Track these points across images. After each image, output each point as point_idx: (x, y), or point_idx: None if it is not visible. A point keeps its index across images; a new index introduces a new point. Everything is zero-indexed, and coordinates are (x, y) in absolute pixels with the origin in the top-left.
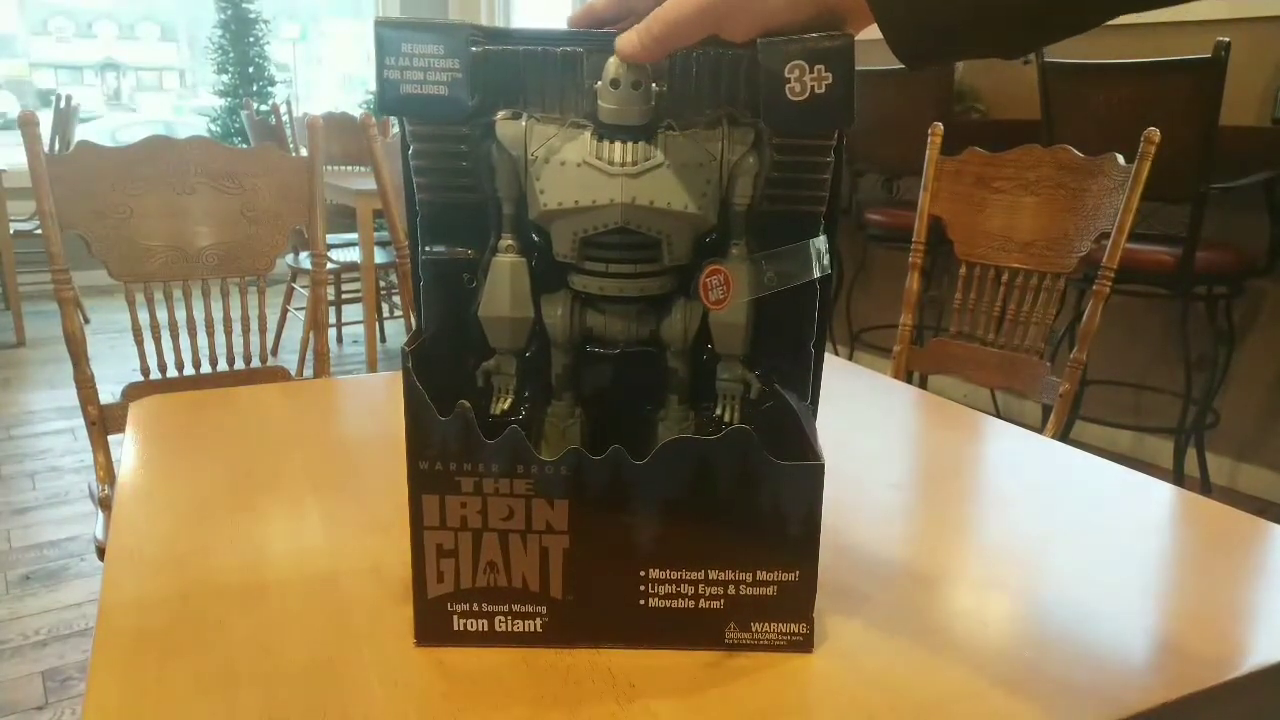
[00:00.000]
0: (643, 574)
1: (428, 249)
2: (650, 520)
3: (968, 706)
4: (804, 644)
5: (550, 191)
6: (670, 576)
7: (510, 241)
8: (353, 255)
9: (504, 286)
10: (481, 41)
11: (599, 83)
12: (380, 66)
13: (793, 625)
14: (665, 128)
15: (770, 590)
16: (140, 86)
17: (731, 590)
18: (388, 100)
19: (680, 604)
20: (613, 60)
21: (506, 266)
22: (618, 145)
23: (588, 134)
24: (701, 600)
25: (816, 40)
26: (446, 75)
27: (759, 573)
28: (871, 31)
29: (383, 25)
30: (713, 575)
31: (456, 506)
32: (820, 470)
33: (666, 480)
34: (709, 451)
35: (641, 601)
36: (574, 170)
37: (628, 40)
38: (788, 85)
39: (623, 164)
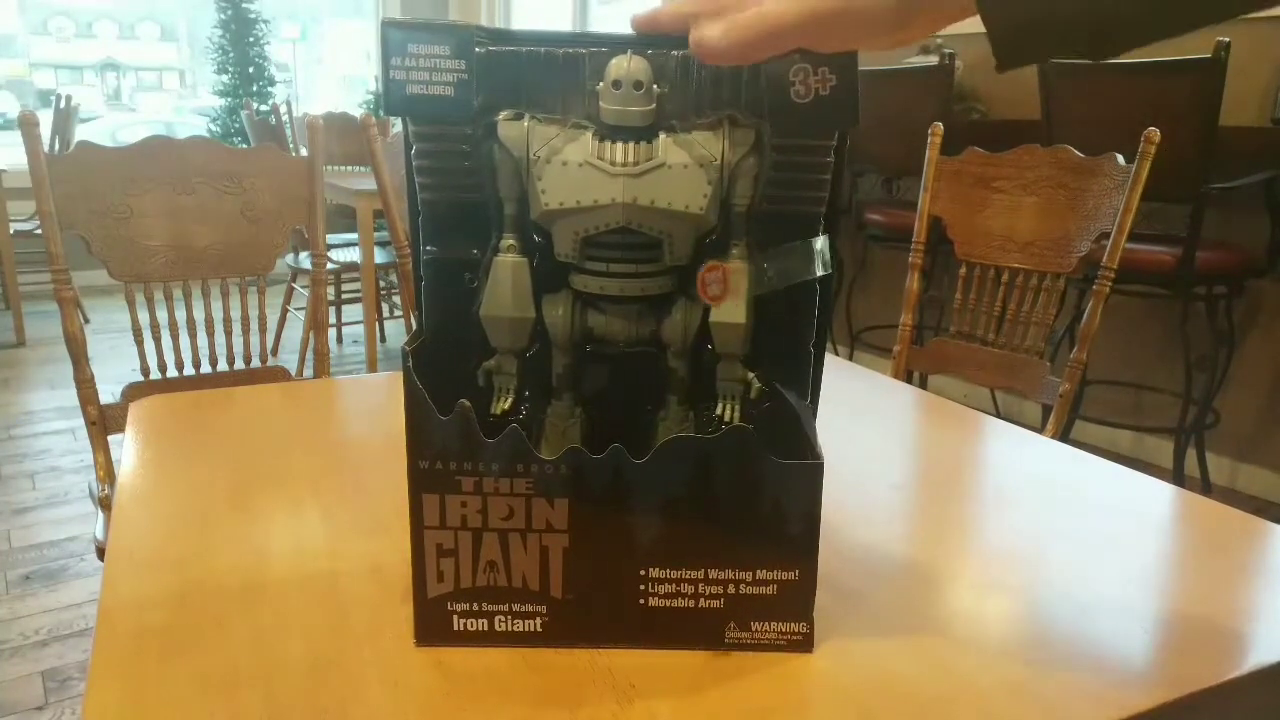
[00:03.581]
0: (643, 573)
1: (429, 248)
2: (650, 519)
3: (968, 706)
4: (804, 643)
5: (552, 191)
6: (670, 576)
7: (512, 241)
8: (353, 255)
9: (505, 286)
10: (485, 42)
11: (600, 84)
12: (386, 67)
13: (793, 625)
14: (667, 129)
15: (770, 589)
16: (140, 86)
17: (731, 589)
18: (394, 101)
19: (680, 603)
20: (615, 61)
21: (508, 266)
22: (619, 146)
23: (589, 134)
24: (701, 599)
25: None
26: (453, 76)
27: (759, 572)
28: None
29: (389, 26)
30: (712, 574)
31: (456, 506)
32: (819, 469)
33: (666, 479)
34: (708, 450)
35: (641, 601)
36: (575, 170)
37: (712, 39)
38: (792, 88)
39: (624, 164)
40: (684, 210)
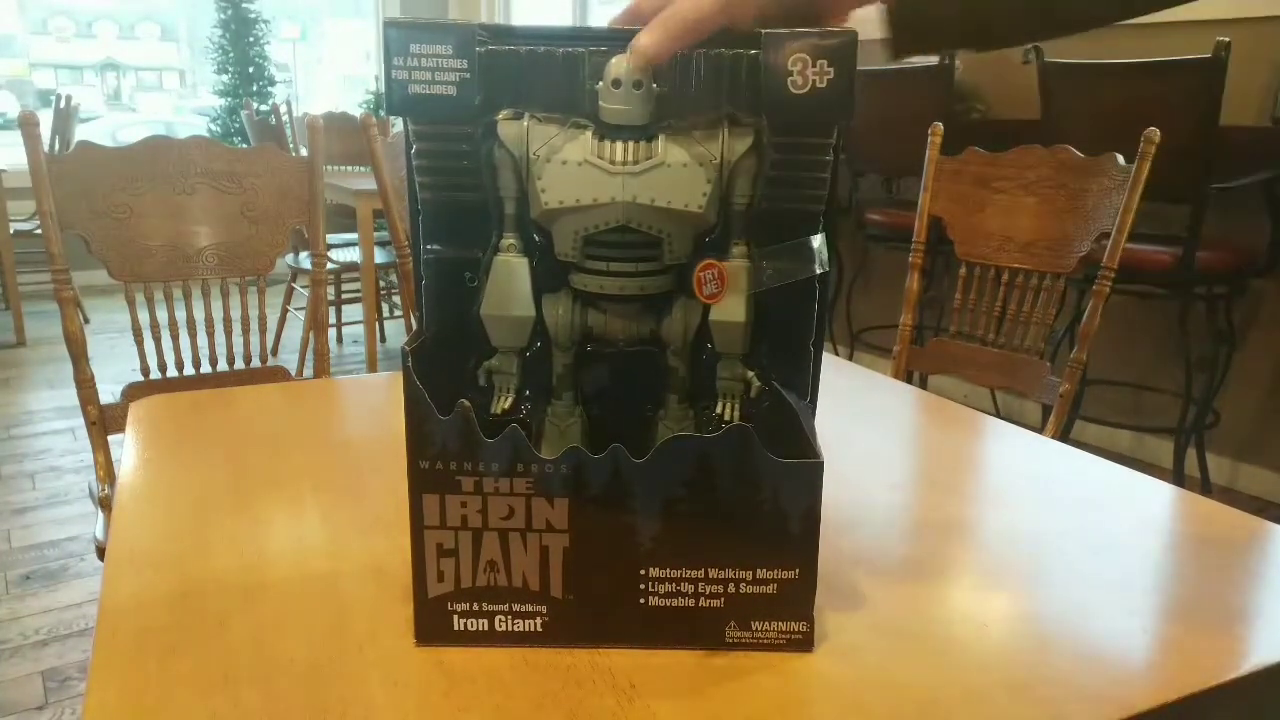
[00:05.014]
0: (643, 573)
1: (430, 247)
2: (650, 519)
3: (968, 706)
4: (804, 642)
5: (552, 190)
6: (670, 575)
7: (512, 240)
8: (353, 255)
9: (505, 285)
10: (485, 40)
11: (600, 83)
12: (388, 67)
13: (793, 624)
14: (665, 128)
15: (770, 588)
16: (140, 86)
17: (731, 589)
18: (396, 100)
19: (680, 603)
20: (615, 60)
21: (508, 265)
22: (619, 145)
23: (589, 133)
24: (702, 599)
25: (820, 35)
26: (455, 75)
27: (759, 571)
28: (875, 31)
29: (391, 26)
30: (713, 574)
31: (457, 506)
32: (819, 468)
33: (666, 478)
34: (709, 449)
35: (642, 600)
36: (575, 169)
37: (649, 40)
38: (790, 78)
39: (624, 163)
40: (684, 209)
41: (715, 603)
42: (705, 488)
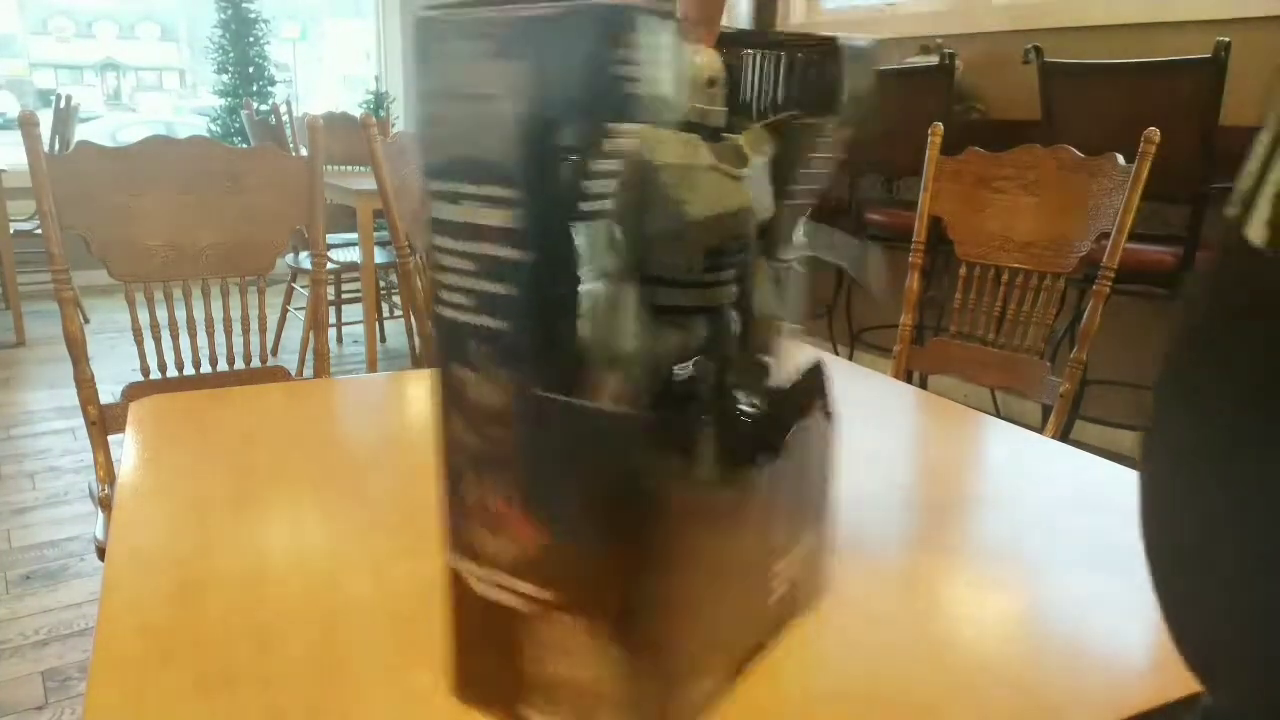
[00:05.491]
0: (771, 571)
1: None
2: (781, 514)
3: (967, 706)
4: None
5: (695, 201)
6: (785, 562)
7: (616, 264)
8: (353, 255)
9: (617, 317)
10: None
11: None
12: (604, 61)
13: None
14: (732, 128)
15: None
16: (140, 86)
17: (799, 549)
18: (614, 101)
19: (779, 586)
20: (699, 59)
21: (618, 293)
22: (725, 148)
23: (700, 137)
24: (790, 570)
25: (867, 43)
26: (668, 71)
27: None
28: (876, 30)
29: (607, 10)
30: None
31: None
32: (838, 419)
33: (795, 470)
34: (810, 430)
35: (769, 599)
36: (708, 177)
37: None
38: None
39: (739, 167)
40: (774, 211)
41: (794, 569)
42: (808, 467)
